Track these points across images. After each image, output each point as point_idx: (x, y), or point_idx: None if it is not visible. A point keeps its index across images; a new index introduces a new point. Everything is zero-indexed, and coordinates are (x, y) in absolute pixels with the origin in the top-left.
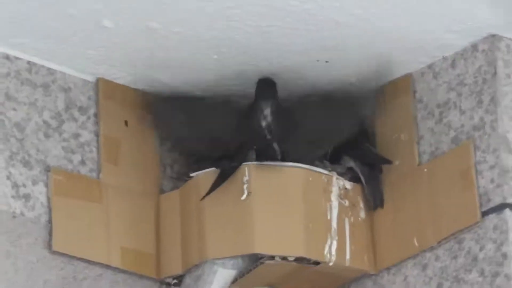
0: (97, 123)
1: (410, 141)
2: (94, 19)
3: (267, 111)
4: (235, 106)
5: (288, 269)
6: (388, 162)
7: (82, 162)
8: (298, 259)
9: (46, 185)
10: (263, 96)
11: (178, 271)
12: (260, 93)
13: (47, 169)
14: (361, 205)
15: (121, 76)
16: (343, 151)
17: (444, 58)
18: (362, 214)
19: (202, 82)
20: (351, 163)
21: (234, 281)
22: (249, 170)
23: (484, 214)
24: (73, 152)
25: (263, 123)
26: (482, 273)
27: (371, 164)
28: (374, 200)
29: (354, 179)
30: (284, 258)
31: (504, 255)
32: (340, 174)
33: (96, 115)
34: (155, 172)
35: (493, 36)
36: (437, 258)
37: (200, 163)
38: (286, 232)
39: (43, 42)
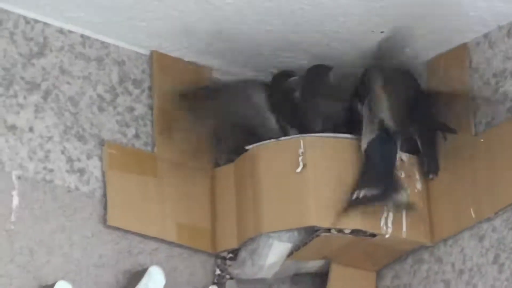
0: (151, 96)
1: (466, 111)
2: None
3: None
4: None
5: (344, 242)
6: (453, 131)
7: (137, 136)
8: (354, 232)
9: (101, 159)
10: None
11: (234, 245)
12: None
13: (102, 143)
14: (417, 176)
15: (174, 48)
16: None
17: (500, 27)
18: (418, 185)
19: (255, 54)
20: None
21: (290, 254)
22: (304, 142)
23: None
24: (127, 126)
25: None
26: None
27: (431, 131)
28: (429, 167)
29: (411, 151)
30: (340, 231)
31: None
32: None
33: (150, 88)
34: (209, 146)
35: None
36: (494, 229)
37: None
38: (342, 204)
39: (96, 16)
